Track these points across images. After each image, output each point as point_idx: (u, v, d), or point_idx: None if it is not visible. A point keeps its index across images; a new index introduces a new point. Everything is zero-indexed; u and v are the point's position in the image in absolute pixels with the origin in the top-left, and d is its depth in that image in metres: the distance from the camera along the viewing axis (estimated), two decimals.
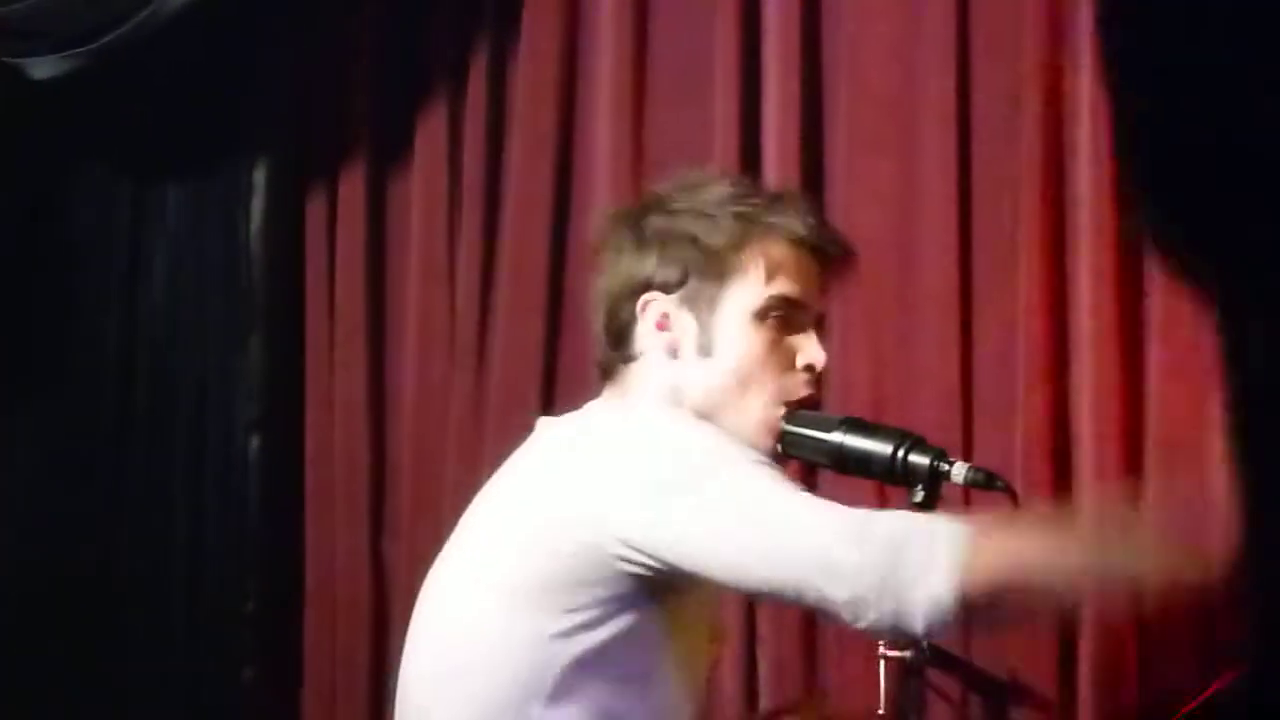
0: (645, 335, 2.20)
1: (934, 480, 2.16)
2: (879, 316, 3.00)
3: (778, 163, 3.07)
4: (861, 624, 1.95)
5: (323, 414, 3.57)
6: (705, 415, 2.17)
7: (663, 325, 2.19)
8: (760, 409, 2.18)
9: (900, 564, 1.92)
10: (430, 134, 3.47)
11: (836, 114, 3.09)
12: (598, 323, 2.24)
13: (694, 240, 2.19)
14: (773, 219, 2.21)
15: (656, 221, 2.22)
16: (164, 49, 3.48)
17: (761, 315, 2.18)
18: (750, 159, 3.09)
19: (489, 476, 2.93)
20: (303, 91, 3.59)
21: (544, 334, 3.29)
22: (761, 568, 2.00)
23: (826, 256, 2.22)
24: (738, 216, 2.19)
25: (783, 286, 2.19)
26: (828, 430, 2.20)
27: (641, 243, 2.21)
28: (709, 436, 2.12)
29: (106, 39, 3.42)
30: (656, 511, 2.03)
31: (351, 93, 3.55)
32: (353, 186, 3.53)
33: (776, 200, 2.25)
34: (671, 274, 2.19)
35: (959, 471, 2.15)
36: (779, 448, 2.19)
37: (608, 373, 2.24)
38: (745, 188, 2.28)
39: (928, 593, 1.91)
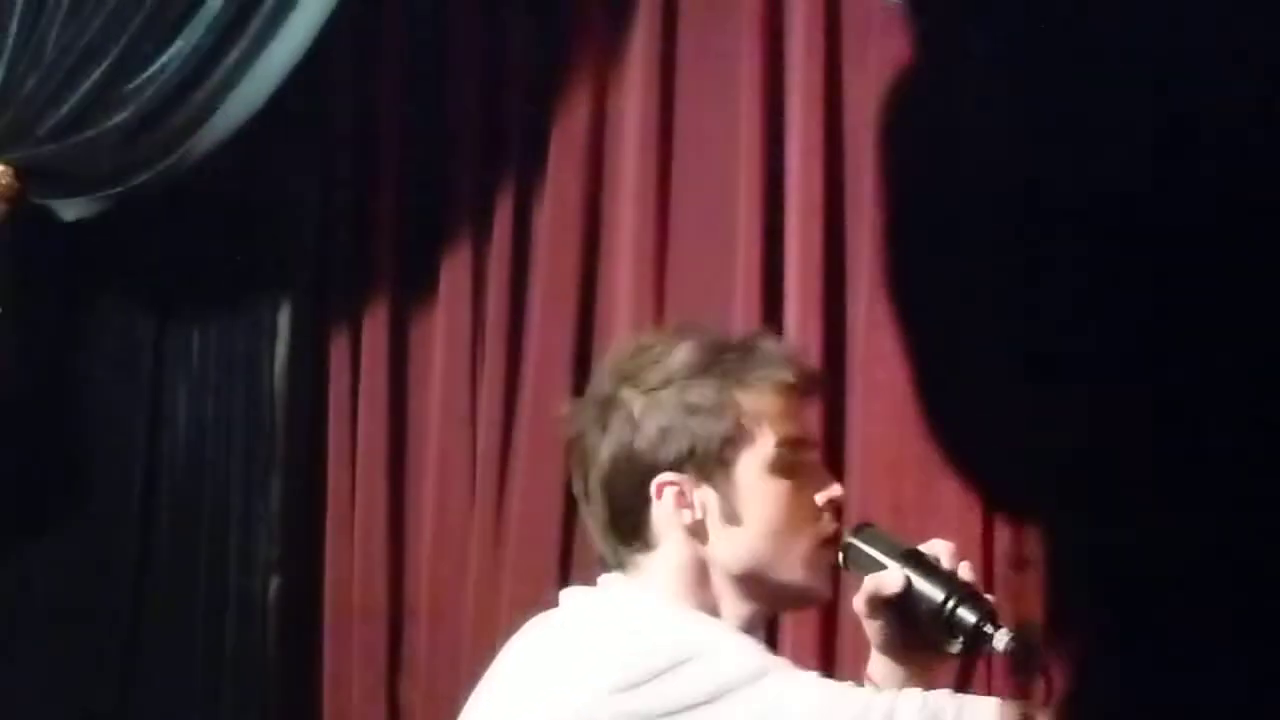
0: (664, 518, 2.12)
1: (976, 640, 2.12)
2: None
3: (799, 313, 3.09)
4: None
5: (342, 554, 3.57)
6: (750, 577, 2.13)
7: (681, 504, 2.12)
8: (802, 558, 2.14)
9: None
10: (453, 275, 3.49)
11: (859, 261, 3.11)
12: (598, 518, 2.16)
13: (690, 411, 2.12)
14: (758, 371, 2.16)
15: (641, 400, 2.14)
16: (189, 191, 3.50)
17: (776, 468, 2.14)
18: (772, 309, 3.11)
19: (506, 619, 2.91)
20: (326, 232, 3.62)
21: (564, 479, 3.28)
22: None
23: (810, 389, 2.19)
24: (724, 377, 2.14)
25: (786, 432, 2.15)
26: (890, 556, 2.16)
27: (634, 425, 2.13)
28: (735, 653, 2.06)
29: (135, 181, 3.47)
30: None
31: (375, 233, 3.58)
32: (376, 327, 3.56)
33: (749, 350, 2.20)
34: (678, 450, 2.12)
35: (1001, 639, 2.10)
36: (840, 559, 2.16)
37: (619, 565, 2.16)
38: (711, 345, 2.20)
39: None
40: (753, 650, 2.07)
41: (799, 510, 2.16)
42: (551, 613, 2.18)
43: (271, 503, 3.59)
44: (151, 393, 3.70)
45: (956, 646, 2.13)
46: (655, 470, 2.11)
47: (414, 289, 3.55)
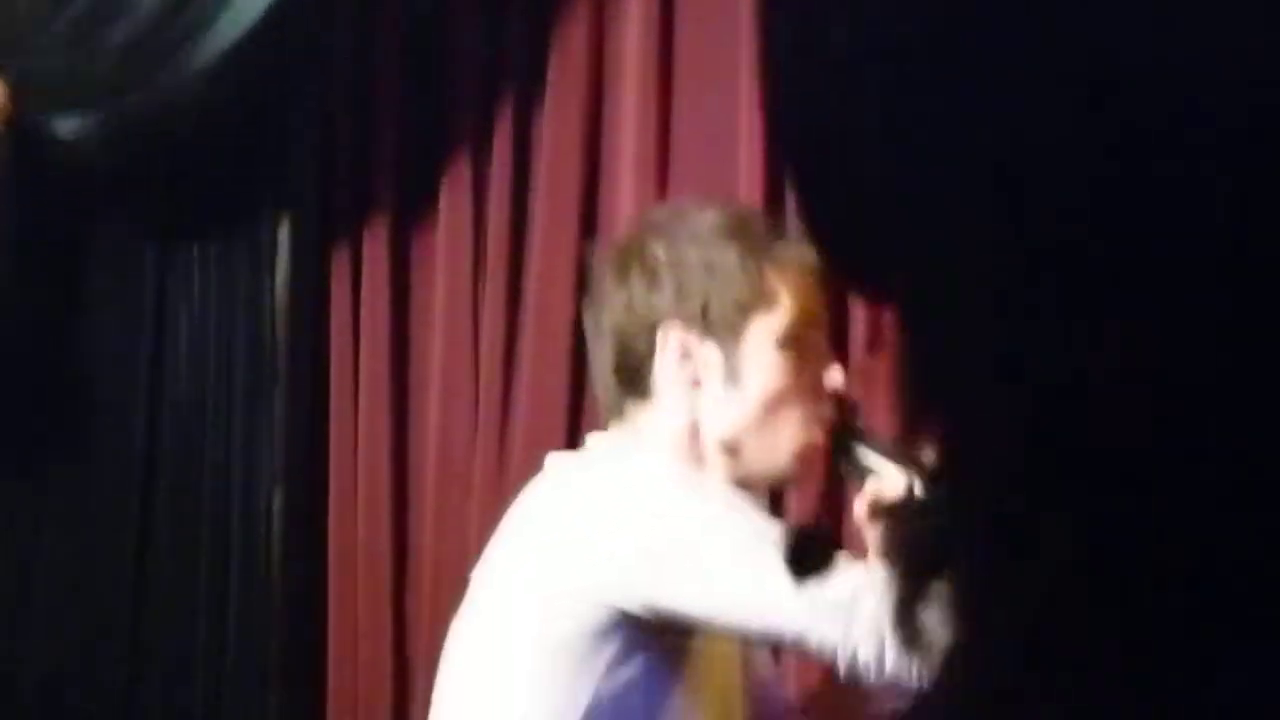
0: (665, 369, 2.16)
1: None
2: None
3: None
4: (856, 670, 2.01)
5: (346, 469, 3.57)
6: (731, 447, 2.16)
7: (685, 359, 2.15)
8: (792, 437, 2.16)
9: (855, 621, 1.98)
10: (454, 192, 3.47)
11: None
12: (603, 361, 2.21)
13: (710, 270, 2.15)
14: (780, 247, 2.18)
15: (663, 253, 2.17)
16: (188, 107, 3.48)
17: (786, 343, 2.16)
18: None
19: None
20: (326, 150, 3.59)
21: (568, 394, 3.29)
22: (754, 623, 2.08)
23: (828, 282, 2.20)
24: (747, 245, 2.16)
25: (802, 306, 2.17)
26: (889, 459, 2.15)
27: (652, 275, 2.17)
28: (706, 500, 2.11)
29: (132, 96, 3.44)
30: (648, 571, 2.04)
31: (376, 152, 3.55)
32: (376, 244, 3.54)
33: (774, 228, 2.24)
34: (692, 305, 2.15)
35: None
36: (837, 463, 2.20)
37: (616, 412, 2.21)
38: (741, 215, 2.26)
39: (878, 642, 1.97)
40: (752, 515, 2.10)
41: (799, 387, 2.17)
42: (536, 484, 2.22)
43: (275, 418, 3.59)
44: (154, 312, 3.69)
45: None
46: (666, 320, 2.14)
47: (415, 207, 3.53)
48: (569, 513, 2.13)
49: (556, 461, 2.25)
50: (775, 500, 2.81)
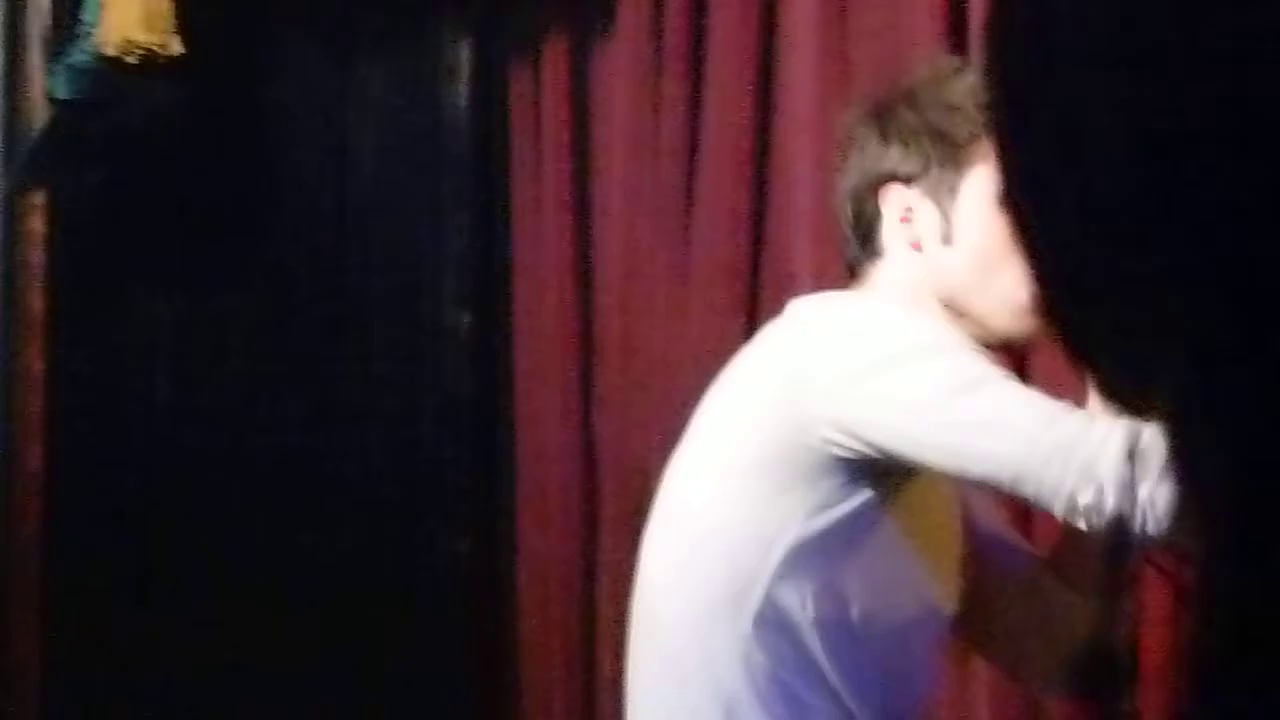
0: (890, 228, 2.22)
1: None
2: None
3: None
4: (1074, 516, 1.98)
5: (531, 287, 3.60)
6: (953, 304, 2.19)
7: (906, 218, 2.21)
8: (1010, 293, 2.15)
9: (1081, 452, 1.95)
10: (633, 2, 3.45)
11: None
12: (843, 221, 2.26)
13: (938, 132, 2.20)
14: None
15: (903, 116, 2.23)
16: None
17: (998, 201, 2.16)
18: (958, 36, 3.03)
19: (695, 349, 2.94)
20: None
21: (749, 204, 3.26)
22: (969, 463, 2.05)
23: None
24: (976, 114, 2.18)
25: None
26: None
27: (886, 137, 2.23)
28: (927, 329, 2.14)
29: None
30: (860, 401, 2.07)
31: None
32: (556, 58, 3.55)
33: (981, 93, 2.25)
34: (914, 166, 2.21)
35: None
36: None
37: (855, 271, 2.26)
38: (975, 88, 2.23)
39: (1096, 489, 1.94)
40: (972, 355, 2.11)
41: (1010, 247, 2.14)
42: (772, 327, 2.28)
43: (458, 237, 3.63)
44: (337, 131, 3.74)
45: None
46: (890, 181, 2.21)
47: (593, 20, 3.53)
48: (796, 348, 2.18)
49: (796, 306, 2.29)
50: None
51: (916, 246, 2.21)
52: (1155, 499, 1.92)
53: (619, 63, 3.49)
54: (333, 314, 3.75)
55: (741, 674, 2.14)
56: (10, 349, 3.61)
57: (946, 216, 2.20)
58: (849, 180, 2.26)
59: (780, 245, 3.13)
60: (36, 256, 3.61)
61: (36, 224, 3.62)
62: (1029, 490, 2.02)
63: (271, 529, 3.70)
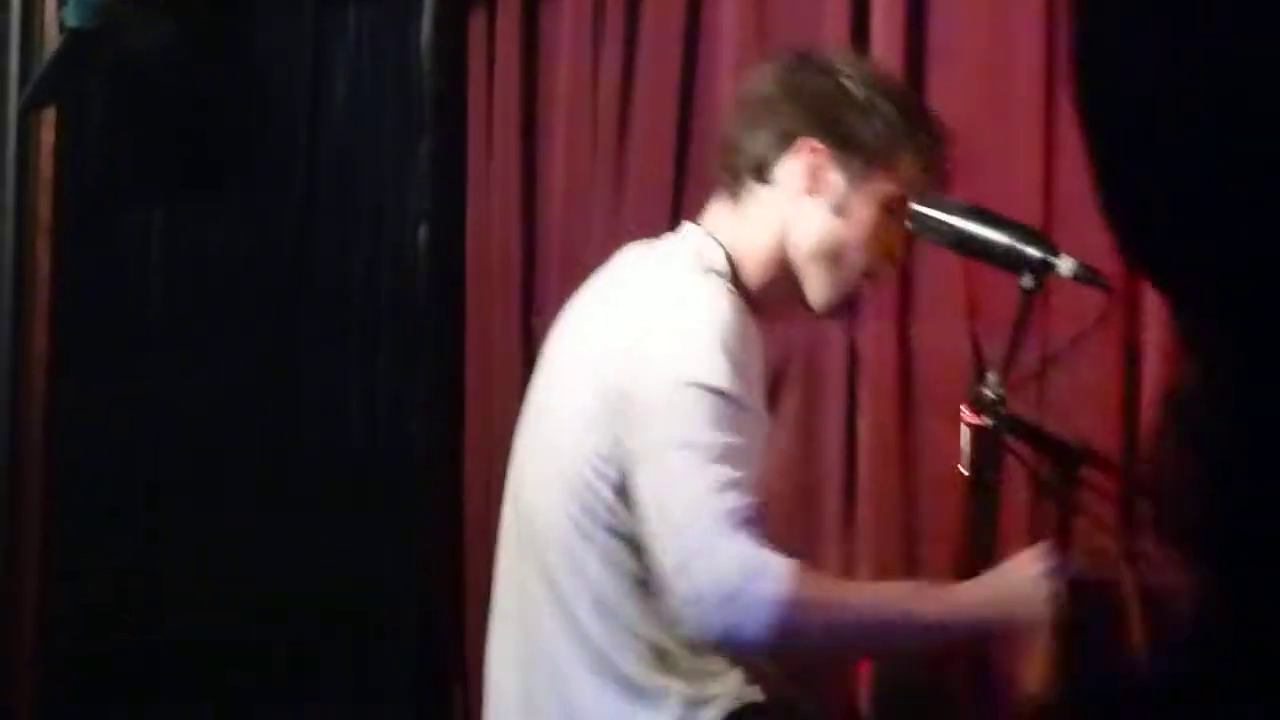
0: (790, 170, 2.38)
1: (1043, 270, 2.34)
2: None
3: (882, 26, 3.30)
4: (691, 623, 2.15)
5: (482, 205, 3.91)
6: (803, 259, 2.39)
7: (816, 172, 2.37)
8: (848, 277, 2.40)
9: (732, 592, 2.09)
10: None
11: None
12: (748, 139, 2.40)
13: (869, 121, 2.36)
14: (920, 132, 2.41)
15: (837, 78, 2.39)
16: None
17: (888, 208, 2.40)
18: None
19: None
20: None
21: (676, 130, 3.61)
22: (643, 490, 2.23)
23: (935, 172, 2.44)
24: (901, 116, 2.38)
25: (907, 189, 2.41)
26: (952, 214, 2.39)
27: (818, 90, 2.38)
28: (720, 359, 2.21)
29: None
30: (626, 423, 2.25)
31: None
32: (510, 8, 3.85)
33: (920, 111, 2.47)
34: (842, 138, 2.36)
35: (1066, 266, 2.33)
36: (907, 226, 2.41)
37: (733, 183, 2.43)
38: (901, 92, 2.47)
39: (749, 613, 2.09)
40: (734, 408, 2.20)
41: (877, 245, 2.42)
42: (601, 275, 2.49)
43: (420, 160, 3.90)
44: (314, 67, 3.98)
45: (1027, 281, 2.35)
46: (817, 133, 2.37)
47: None
48: (611, 326, 2.33)
49: (625, 257, 2.47)
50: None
51: (802, 198, 2.37)
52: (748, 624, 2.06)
53: (566, 10, 3.80)
54: (304, 231, 3.98)
55: (605, 572, 2.31)
56: (21, 248, 3.92)
57: (848, 195, 2.37)
58: (769, 109, 2.39)
59: (700, 172, 3.42)
60: (46, 166, 3.91)
61: (48, 136, 3.93)
62: (663, 558, 2.16)
63: (249, 415, 3.99)
